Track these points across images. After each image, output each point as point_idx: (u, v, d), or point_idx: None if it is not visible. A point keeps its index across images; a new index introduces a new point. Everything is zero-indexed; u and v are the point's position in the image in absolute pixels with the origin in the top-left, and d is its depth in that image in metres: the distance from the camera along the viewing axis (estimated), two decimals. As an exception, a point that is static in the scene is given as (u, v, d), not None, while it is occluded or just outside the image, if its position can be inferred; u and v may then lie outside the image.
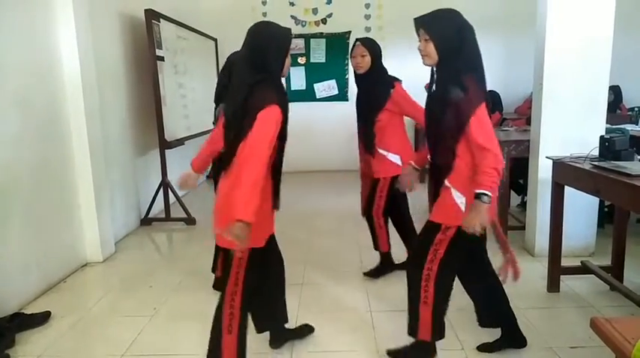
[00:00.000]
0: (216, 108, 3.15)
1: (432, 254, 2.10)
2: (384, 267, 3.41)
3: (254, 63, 1.95)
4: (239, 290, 2.05)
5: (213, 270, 3.26)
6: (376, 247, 3.39)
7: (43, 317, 2.85)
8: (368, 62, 3.06)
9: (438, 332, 2.23)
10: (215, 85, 3.22)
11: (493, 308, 2.38)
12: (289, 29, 2.07)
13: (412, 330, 2.23)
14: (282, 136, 1.97)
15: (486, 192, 1.88)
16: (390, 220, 3.35)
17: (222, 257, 3.05)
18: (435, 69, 2.07)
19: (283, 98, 1.95)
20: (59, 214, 3.53)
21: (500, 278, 2.23)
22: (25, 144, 3.15)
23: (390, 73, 3.15)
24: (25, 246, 3.12)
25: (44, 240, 3.32)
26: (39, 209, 3.28)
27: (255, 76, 1.92)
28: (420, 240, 2.22)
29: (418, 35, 2.05)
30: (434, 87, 2.09)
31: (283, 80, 2.10)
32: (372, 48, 3.08)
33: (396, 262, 3.41)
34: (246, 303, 2.08)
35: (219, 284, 3.15)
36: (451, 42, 1.96)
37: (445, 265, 2.11)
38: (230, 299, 2.05)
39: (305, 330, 2.60)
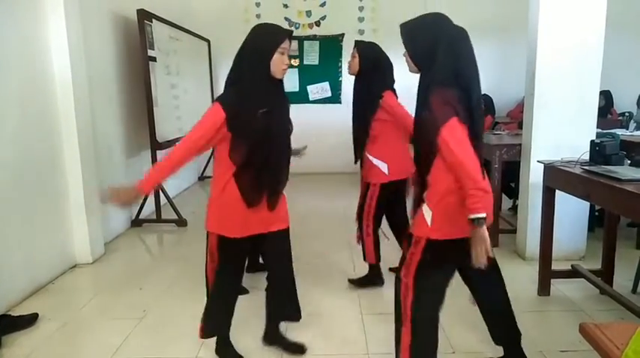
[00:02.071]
0: None
1: (405, 268, 1.98)
2: (370, 279, 3.30)
3: (233, 65, 2.12)
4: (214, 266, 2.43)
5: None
6: (364, 258, 3.26)
7: (30, 319, 2.81)
8: (356, 64, 3.00)
9: None
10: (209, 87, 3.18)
11: (494, 322, 2.28)
12: (280, 29, 2.09)
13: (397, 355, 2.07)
14: (241, 135, 2.08)
15: (478, 216, 1.73)
16: (390, 228, 3.30)
17: None
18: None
19: (238, 99, 2.07)
20: (48, 215, 3.49)
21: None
22: (13, 143, 3.12)
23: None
24: (13, 247, 3.09)
25: (33, 241, 3.29)
26: (27, 209, 3.25)
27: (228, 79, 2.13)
28: (403, 254, 2.09)
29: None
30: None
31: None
32: (364, 51, 3.03)
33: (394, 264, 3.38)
34: (222, 274, 2.42)
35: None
36: (423, 56, 1.89)
37: (421, 281, 1.95)
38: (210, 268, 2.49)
39: (296, 349, 2.51)
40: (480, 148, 1.87)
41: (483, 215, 1.73)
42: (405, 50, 1.97)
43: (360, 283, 3.31)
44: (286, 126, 2.27)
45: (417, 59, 1.92)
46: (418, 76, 1.96)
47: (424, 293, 1.97)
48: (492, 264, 2.12)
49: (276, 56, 2.07)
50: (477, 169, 1.76)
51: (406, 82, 2.95)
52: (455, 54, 1.87)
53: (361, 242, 3.21)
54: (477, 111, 1.87)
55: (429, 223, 1.90)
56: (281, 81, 2.17)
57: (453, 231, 1.87)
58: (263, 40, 2.07)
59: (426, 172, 1.92)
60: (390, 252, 3.36)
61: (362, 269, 3.47)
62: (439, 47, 1.85)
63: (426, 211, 1.93)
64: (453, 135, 1.76)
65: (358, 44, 3.06)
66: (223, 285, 2.41)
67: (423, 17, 1.98)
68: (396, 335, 2.05)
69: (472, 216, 1.74)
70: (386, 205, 3.16)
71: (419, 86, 1.93)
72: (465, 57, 1.90)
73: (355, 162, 3.17)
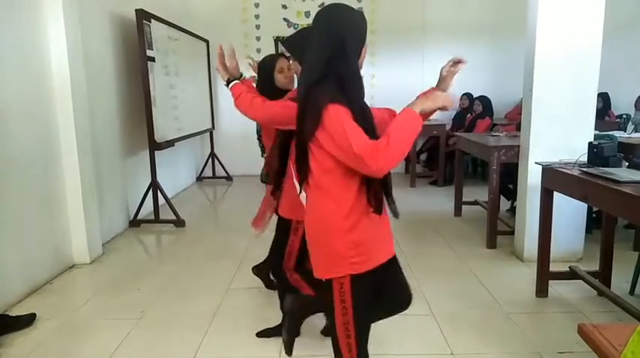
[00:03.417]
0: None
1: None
2: None
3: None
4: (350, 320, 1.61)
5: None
6: None
7: (28, 320, 2.80)
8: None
9: None
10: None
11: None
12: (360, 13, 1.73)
13: None
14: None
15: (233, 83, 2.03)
16: None
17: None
18: None
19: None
20: (46, 215, 3.49)
21: None
22: (10, 143, 3.11)
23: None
24: (11, 247, 3.08)
25: (31, 241, 3.28)
26: (25, 209, 3.24)
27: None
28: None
29: None
30: None
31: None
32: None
33: None
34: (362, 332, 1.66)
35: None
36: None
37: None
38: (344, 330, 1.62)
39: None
40: None
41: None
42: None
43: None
44: None
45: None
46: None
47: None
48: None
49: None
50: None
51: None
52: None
53: None
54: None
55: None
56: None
57: None
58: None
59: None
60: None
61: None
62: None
63: None
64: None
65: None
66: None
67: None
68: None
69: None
70: None
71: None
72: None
73: None
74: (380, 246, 1.64)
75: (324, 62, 1.52)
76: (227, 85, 2.04)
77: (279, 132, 2.22)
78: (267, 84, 2.58)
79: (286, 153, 2.20)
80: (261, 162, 2.70)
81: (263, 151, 3.01)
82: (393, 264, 1.75)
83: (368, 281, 1.59)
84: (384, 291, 1.77)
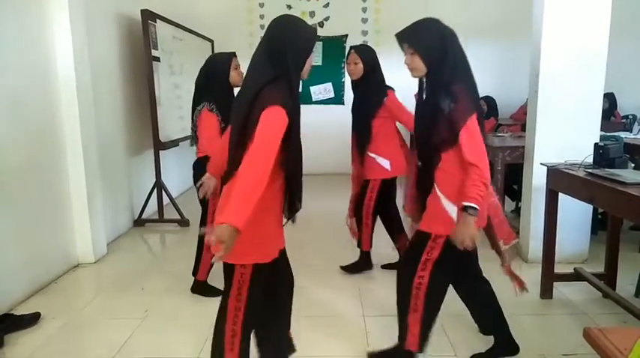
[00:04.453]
0: (194, 112, 2.95)
1: (422, 264, 2.07)
2: (361, 264, 3.52)
3: (271, 60, 1.76)
4: (242, 306, 1.85)
5: (194, 274, 3.18)
6: (358, 245, 3.50)
7: (32, 319, 2.82)
8: (360, 69, 3.18)
9: (424, 344, 2.19)
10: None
11: (487, 315, 2.39)
12: (314, 28, 2.04)
13: (401, 338, 2.21)
14: (289, 140, 1.73)
15: (473, 205, 1.85)
16: (381, 222, 3.47)
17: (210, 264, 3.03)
18: (424, 79, 2.06)
19: (293, 100, 1.75)
20: (51, 214, 3.50)
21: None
22: (17, 143, 3.13)
23: (386, 77, 3.23)
24: (15, 246, 3.09)
25: (35, 240, 3.29)
26: (30, 209, 3.25)
27: (269, 74, 1.74)
28: (411, 249, 2.18)
29: (403, 50, 2.04)
30: (424, 96, 2.07)
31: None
32: (365, 56, 3.16)
33: (387, 261, 3.55)
34: (250, 321, 1.91)
35: (197, 289, 3.18)
36: (436, 52, 1.95)
37: (437, 275, 2.08)
38: (233, 316, 1.87)
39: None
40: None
41: (476, 205, 1.85)
42: (405, 58, 2.03)
43: (351, 269, 3.51)
44: None
45: (429, 59, 1.96)
46: (413, 79, 2.10)
47: (437, 286, 2.12)
48: (483, 279, 2.35)
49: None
50: (487, 165, 1.88)
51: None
52: (462, 50, 1.99)
53: (359, 231, 3.41)
54: (479, 109, 2.00)
55: (455, 218, 1.94)
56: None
57: None
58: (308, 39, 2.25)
59: (434, 166, 2.00)
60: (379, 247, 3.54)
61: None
62: (447, 44, 1.94)
63: (448, 205, 1.98)
64: (476, 127, 1.89)
65: (357, 49, 3.21)
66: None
67: (420, 21, 2.04)
68: (402, 325, 2.18)
69: (466, 204, 1.85)
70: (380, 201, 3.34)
71: (430, 84, 2.01)
72: (465, 53, 2.01)
73: (364, 160, 3.26)
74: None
75: (268, 67, 1.75)
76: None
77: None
78: (222, 81, 2.84)
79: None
80: None
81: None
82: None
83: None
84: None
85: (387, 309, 2.83)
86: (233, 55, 2.96)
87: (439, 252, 2.05)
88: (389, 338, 2.37)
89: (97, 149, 3.92)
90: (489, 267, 3.61)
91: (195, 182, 2.64)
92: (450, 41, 1.96)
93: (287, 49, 1.74)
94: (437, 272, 2.08)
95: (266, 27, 1.93)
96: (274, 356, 2.14)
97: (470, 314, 2.42)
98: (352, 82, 3.27)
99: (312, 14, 7.38)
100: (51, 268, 3.47)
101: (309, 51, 1.83)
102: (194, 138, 3.01)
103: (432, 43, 1.95)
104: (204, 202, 2.87)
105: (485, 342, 2.51)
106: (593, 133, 3.43)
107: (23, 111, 3.20)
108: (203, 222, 2.99)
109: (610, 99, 6.31)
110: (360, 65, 3.15)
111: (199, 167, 2.76)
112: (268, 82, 1.71)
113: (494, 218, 2.20)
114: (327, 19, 7.43)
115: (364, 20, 7.42)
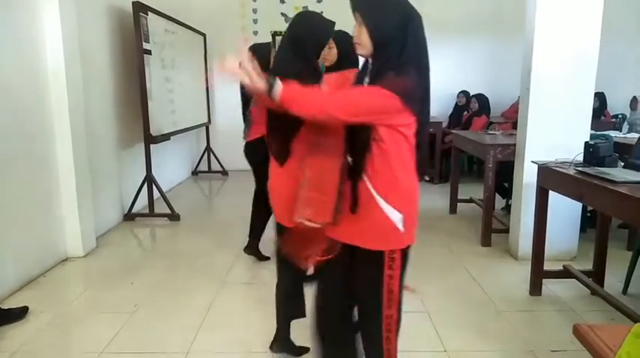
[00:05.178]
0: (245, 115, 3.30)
1: (386, 295, 1.64)
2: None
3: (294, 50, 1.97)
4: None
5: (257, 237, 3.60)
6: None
7: (20, 312, 2.79)
8: (334, 55, 2.97)
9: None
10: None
11: None
12: (331, 22, 2.17)
13: None
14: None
15: (278, 85, 1.48)
16: None
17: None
18: (369, 61, 1.63)
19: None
20: (40, 208, 3.46)
21: None
22: (4, 135, 3.08)
23: None
24: (4, 240, 3.05)
25: (24, 234, 3.26)
26: (19, 202, 3.21)
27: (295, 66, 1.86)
28: (364, 281, 1.70)
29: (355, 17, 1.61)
30: (366, 80, 1.62)
31: None
32: (341, 40, 2.99)
33: None
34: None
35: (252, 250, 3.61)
36: (390, 32, 1.52)
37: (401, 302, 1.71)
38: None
39: (303, 351, 2.38)
40: (422, 158, 1.66)
41: (279, 87, 1.49)
42: (355, 22, 1.59)
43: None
44: None
45: (376, 37, 1.53)
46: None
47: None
48: None
49: None
50: (338, 115, 1.49)
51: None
52: (423, 40, 1.58)
53: None
54: (427, 117, 1.64)
55: (402, 228, 1.59)
56: None
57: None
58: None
59: (368, 152, 1.57)
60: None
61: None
62: (409, 28, 1.53)
63: (391, 212, 1.58)
64: (375, 93, 1.49)
65: (334, 35, 3.04)
66: None
67: None
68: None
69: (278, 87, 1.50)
70: None
71: (373, 69, 1.59)
72: (426, 48, 1.59)
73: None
74: None
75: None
76: (270, 90, 1.48)
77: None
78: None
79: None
80: None
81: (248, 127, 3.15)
82: None
83: None
84: None
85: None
86: (269, 44, 3.12)
87: (399, 271, 1.65)
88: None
89: (86, 142, 3.88)
90: (483, 262, 3.64)
91: (251, 165, 3.13)
92: (414, 27, 1.53)
93: (307, 39, 1.95)
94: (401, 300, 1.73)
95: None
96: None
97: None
98: (325, 69, 3.07)
99: (304, 9, 7.36)
100: (39, 262, 3.43)
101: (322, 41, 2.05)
102: (249, 122, 3.16)
103: (387, 21, 1.52)
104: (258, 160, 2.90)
105: (475, 337, 2.53)
106: (583, 132, 3.45)
107: (11, 104, 3.15)
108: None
109: (600, 99, 6.36)
110: (334, 50, 2.98)
111: (253, 150, 3.13)
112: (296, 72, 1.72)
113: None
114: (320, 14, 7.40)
115: (357, 16, 7.40)
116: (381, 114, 1.50)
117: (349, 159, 1.62)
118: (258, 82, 1.47)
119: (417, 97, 1.53)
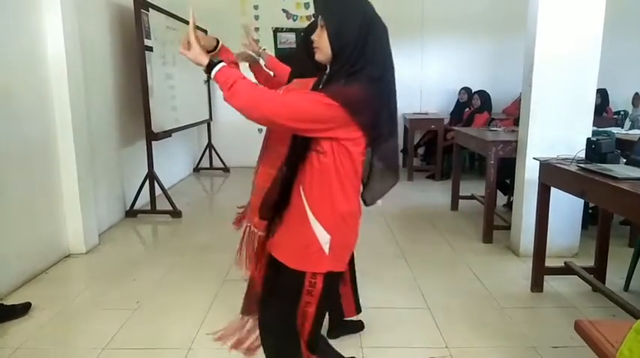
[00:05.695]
0: None
1: (299, 315, 1.58)
2: None
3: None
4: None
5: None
6: None
7: (23, 309, 2.79)
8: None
9: None
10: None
11: None
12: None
13: None
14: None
15: (218, 66, 1.51)
16: None
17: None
18: (328, 68, 1.52)
19: None
20: (42, 205, 3.47)
21: None
22: (6, 132, 3.09)
23: None
24: (6, 236, 3.06)
25: (26, 230, 3.26)
26: (21, 198, 3.22)
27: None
28: (281, 292, 1.61)
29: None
30: (320, 88, 1.52)
31: None
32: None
33: None
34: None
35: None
36: (350, 41, 1.42)
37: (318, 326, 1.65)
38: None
39: (358, 325, 2.56)
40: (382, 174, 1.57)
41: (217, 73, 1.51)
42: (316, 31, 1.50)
43: None
44: None
45: (337, 42, 1.43)
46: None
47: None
48: None
49: None
50: (254, 113, 1.40)
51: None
52: (385, 51, 1.49)
53: None
54: (383, 132, 1.51)
55: (327, 252, 1.49)
56: None
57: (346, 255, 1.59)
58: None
59: (296, 170, 1.52)
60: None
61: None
62: (369, 38, 1.43)
63: (321, 233, 1.48)
64: (302, 99, 1.40)
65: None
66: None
67: None
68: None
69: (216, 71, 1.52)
70: None
71: (329, 76, 1.50)
72: (388, 60, 1.50)
73: None
74: None
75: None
76: (209, 68, 1.53)
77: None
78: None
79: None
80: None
81: None
82: None
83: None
84: None
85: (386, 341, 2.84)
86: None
87: (319, 298, 1.57)
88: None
89: (88, 139, 3.88)
90: (484, 259, 3.64)
91: None
92: (375, 37, 1.44)
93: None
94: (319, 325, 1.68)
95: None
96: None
97: None
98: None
99: (306, 5, 7.33)
100: (42, 258, 3.44)
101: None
102: None
103: (348, 28, 1.42)
104: None
105: (476, 333, 2.53)
106: (585, 128, 3.45)
107: (13, 100, 3.15)
108: None
109: (602, 95, 6.34)
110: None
111: None
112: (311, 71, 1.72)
113: None
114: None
115: (359, 12, 7.38)
116: (320, 123, 1.39)
117: (283, 168, 1.56)
118: (199, 55, 1.56)
119: (367, 110, 1.41)
